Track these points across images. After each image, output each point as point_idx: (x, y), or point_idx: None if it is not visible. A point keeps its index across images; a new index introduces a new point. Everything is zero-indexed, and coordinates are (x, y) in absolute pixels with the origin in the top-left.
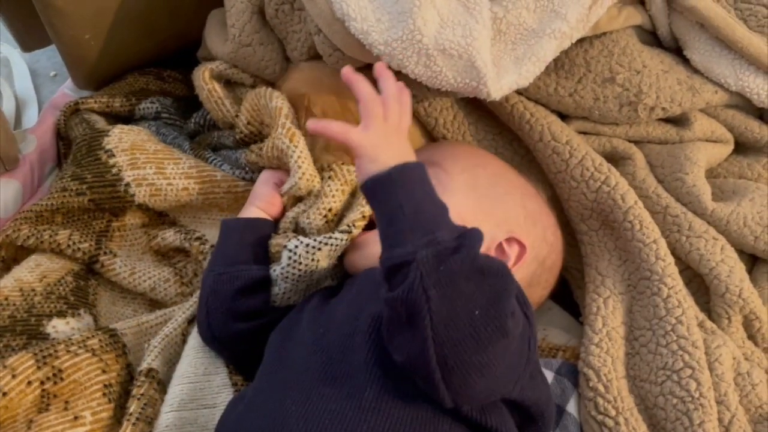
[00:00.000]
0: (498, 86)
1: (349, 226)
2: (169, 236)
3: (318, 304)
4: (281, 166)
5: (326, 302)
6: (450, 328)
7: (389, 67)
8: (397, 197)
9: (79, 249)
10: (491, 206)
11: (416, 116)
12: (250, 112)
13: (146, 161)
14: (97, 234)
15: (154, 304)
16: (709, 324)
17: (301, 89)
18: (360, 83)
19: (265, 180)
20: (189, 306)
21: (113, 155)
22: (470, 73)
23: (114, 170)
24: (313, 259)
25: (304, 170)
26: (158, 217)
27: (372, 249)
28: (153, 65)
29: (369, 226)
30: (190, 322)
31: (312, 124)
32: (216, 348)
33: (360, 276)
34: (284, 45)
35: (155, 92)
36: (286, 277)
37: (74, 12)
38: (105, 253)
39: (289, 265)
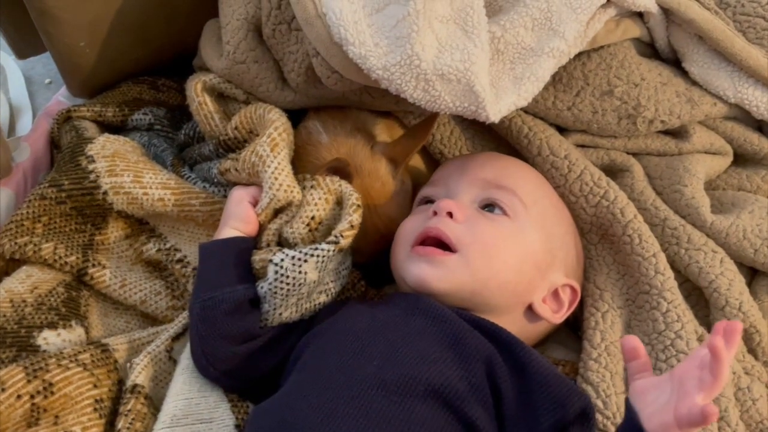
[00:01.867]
0: (497, 109)
1: (336, 236)
2: (152, 251)
3: (369, 322)
4: (253, 178)
5: (374, 319)
6: None
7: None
8: None
9: (66, 263)
10: (555, 247)
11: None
12: (242, 118)
13: (125, 168)
14: (82, 247)
15: (146, 316)
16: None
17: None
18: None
19: (238, 199)
20: (175, 323)
21: (93, 161)
22: (469, 97)
23: (92, 176)
24: (300, 272)
25: (281, 182)
26: (139, 225)
27: (453, 275)
28: (149, 73)
29: (443, 246)
30: (175, 338)
31: None
32: (214, 376)
33: (423, 308)
34: (281, 65)
35: (149, 102)
36: (275, 293)
37: (69, 19)
38: (94, 265)
39: (276, 279)
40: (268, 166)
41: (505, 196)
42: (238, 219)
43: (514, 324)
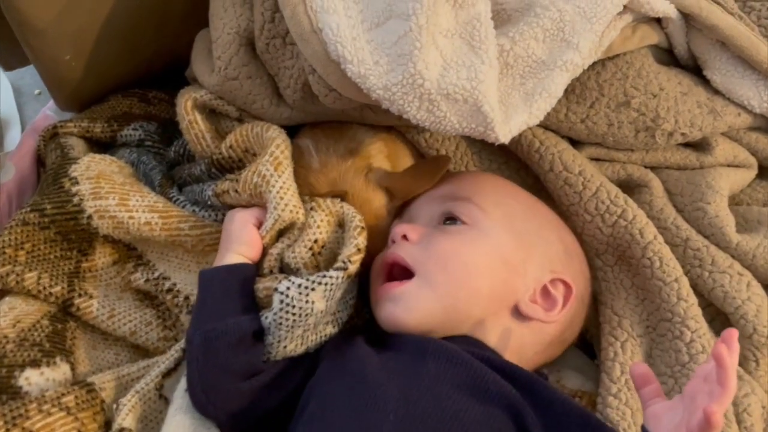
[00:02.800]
0: (507, 129)
1: (344, 262)
2: (140, 281)
3: (378, 367)
4: (255, 200)
5: (384, 365)
6: None
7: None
8: None
9: (51, 293)
10: (531, 243)
11: (414, 145)
12: (237, 136)
13: (110, 191)
14: (68, 275)
15: (137, 347)
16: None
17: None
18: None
19: (242, 222)
20: (166, 358)
21: (77, 183)
22: (476, 117)
23: (75, 200)
24: (307, 301)
25: (286, 201)
26: (127, 251)
27: (417, 302)
28: (139, 85)
29: (392, 276)
30: (167, 374)
31: None
32: (213, 415)
33: (433, 350)
34: (276, 81)
35: (139, 116)
36: (280, 324)
37: (53, 32)
38: (80, 295)
39: (281, 309)
40: (273, 186)
41: (461, 205)
42: (243, 243)
43: (506, 332)
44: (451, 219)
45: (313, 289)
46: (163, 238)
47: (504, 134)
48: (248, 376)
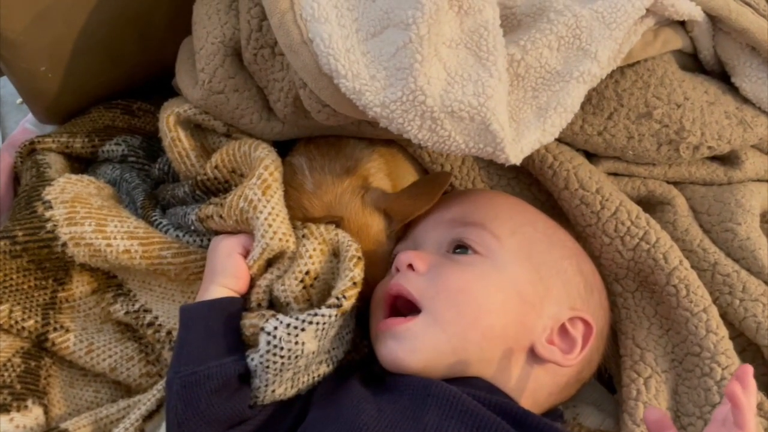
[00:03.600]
0: (518, 149)
1: (338, 298)
2: (119, 313)
3: (375, 416)
4: (241, 226)
5: (381, 413)
6: None
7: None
8: None
9: (23, 328)
10: (550, 276)
11: (417, 160)
12: (223, 156)
13: (86, 215)
14: (42, 307)
15: (118, 383)
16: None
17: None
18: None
19: (227, 251)
20: (147, 399)
21: (51, 207)
22: (484, 137)
23: (49, 226)
24: (297, 342)
25: (275, 229)
26: (107, 279)
27: (423, 342)
28: (123, 95)
29: (395, 309)
30: (148, 417)
31: None
32: None
33: (434, 396)
34: (265, 94)
35: (122, 130)
36: (267, 367)
37: (26, 43)
38: (55, 329)
39: (268, 351)
40: (260, 212)
41: (473, 232)
42: (229, 274)
43: (520, 375)
44: (461, 247)
45: (303, 330)
46: (143, 266)
47: (515, 155)
48: (233, 425)
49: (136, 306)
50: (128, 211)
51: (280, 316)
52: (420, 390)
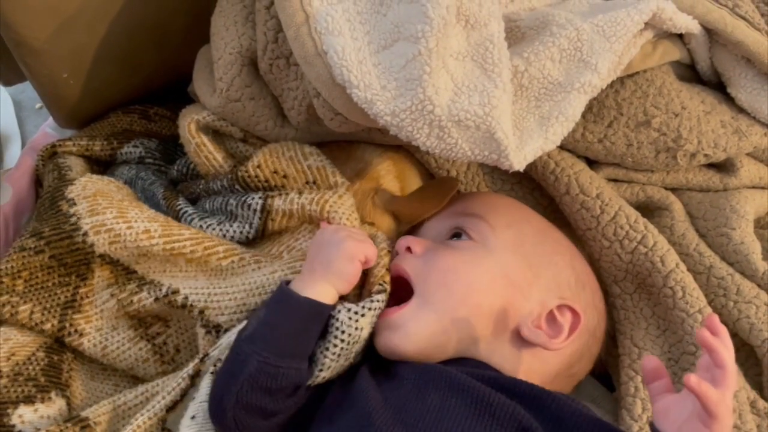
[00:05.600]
0: (521, 156)
1: (381, 284)
2: (147, 301)
3: (381, 403)
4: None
5: (386, 401)
6: None
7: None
8: None
9: (42, 330)
10: (540, 266)
11: (424, 165)
12: (267, 156)
13: (108, 206)
14: (62, 307)
15: (137, 378)
16: (762, 404)
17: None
18: None
19: (351, 255)
20: (171, 390)
21: (74, 204)
22: (489, 144)
23: (72, 219)
24: (357, 328)
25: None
26: (126, 274)
27: (416, 327)
28: (140, 101)
29: (394, 301)
30: (170, 408)
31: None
32: (220, 424)
33: (434, 379)
34: (280, 102)
35: (139, 133)
36: (327, 349)
37: (50, 50)
38: (70, 333)
39: (331, 333)
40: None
41: (471, 221)
42: (344, 280)
43: (510, 356)
44: (458, 234)
45: (363, 315)
46: (161, 247)
47: (518, 161)
48: (275, 415)
49: (164, 290)
50: (146, 205)
51: (344, 302)
52: (420, 374)
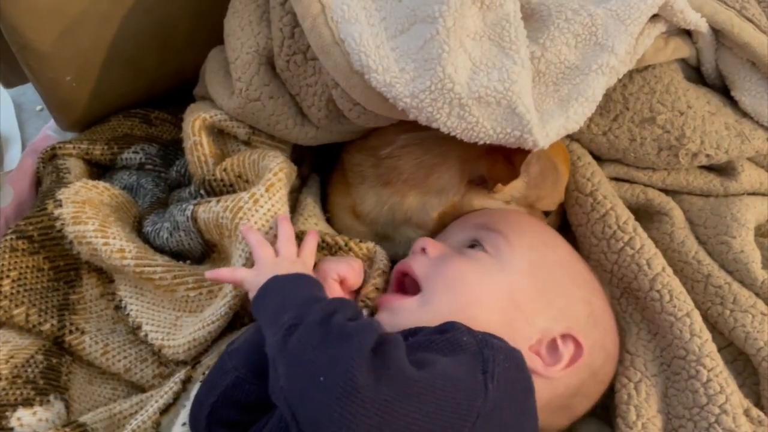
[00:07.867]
0: (544, 133)
1: (364, 301)
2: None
3: None
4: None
5: None
6: (300, 401)
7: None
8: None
9: (41, 331)
10: (553, 294)
11: None
12: (234, 161)
13: (92, 216)
14: (58, 309)
15: (133, 383)
16: (755, 412)
17: None
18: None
19: (321, 278)
20: (162, 393)
21: (60, 205)
22: (511, 121)
23: (58, 224)
24: None
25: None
26: (110, 283)
27: (407, 319)
28: (143, 104)
29: (403, 286)
30: (164, 411)
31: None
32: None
33: None
34: (298, 101)
35: (140, 138)
36: None
37: (53, 53)
38: (71, 332)
39: None
40: (261, 206)
41: (490, 235)
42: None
43: None
44: (475, 245)
45: None
46: (131, 268)
47: (542, 137)
48: (245, 428)
49: (130, 322)
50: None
51: None
52: None
